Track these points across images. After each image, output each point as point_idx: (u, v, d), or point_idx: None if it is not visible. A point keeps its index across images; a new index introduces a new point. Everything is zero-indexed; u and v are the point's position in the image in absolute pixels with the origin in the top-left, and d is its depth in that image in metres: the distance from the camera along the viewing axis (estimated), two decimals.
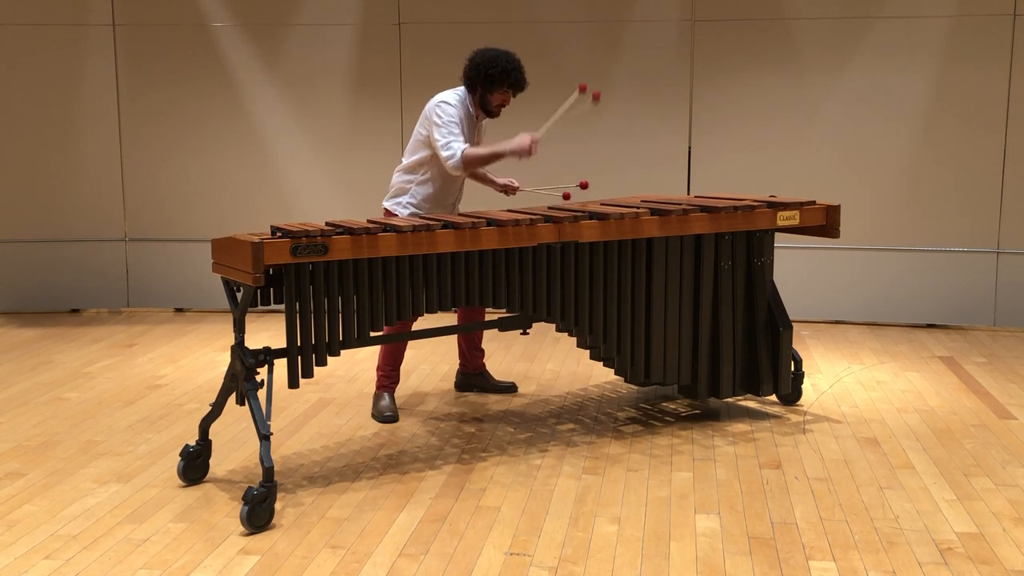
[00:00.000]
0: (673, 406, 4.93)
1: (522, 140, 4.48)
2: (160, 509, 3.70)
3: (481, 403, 4.99)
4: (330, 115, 6.99)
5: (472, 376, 5.16)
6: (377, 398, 4.80)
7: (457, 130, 4.54)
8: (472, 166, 4.59)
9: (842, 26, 6.54)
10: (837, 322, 6.77)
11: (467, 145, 4.54)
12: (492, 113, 4.71)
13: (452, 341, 6.07)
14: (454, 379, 5.28)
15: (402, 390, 5.19)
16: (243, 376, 3.73)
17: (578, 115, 6.81)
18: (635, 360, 4.53)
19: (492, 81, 4.59)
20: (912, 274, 6.67)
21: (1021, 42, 6.34)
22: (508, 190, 5.02)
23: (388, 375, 4.81)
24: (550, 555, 3.32)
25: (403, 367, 5.62)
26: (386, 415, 4.71)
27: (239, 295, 3.79)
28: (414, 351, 5.93)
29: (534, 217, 4.22)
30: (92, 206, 7.10)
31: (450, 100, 4.62)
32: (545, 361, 5.76)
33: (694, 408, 4.89)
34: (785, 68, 6.63)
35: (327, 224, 3.83)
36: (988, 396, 5.08)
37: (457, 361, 5.26)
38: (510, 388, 5.17)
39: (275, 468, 3.77)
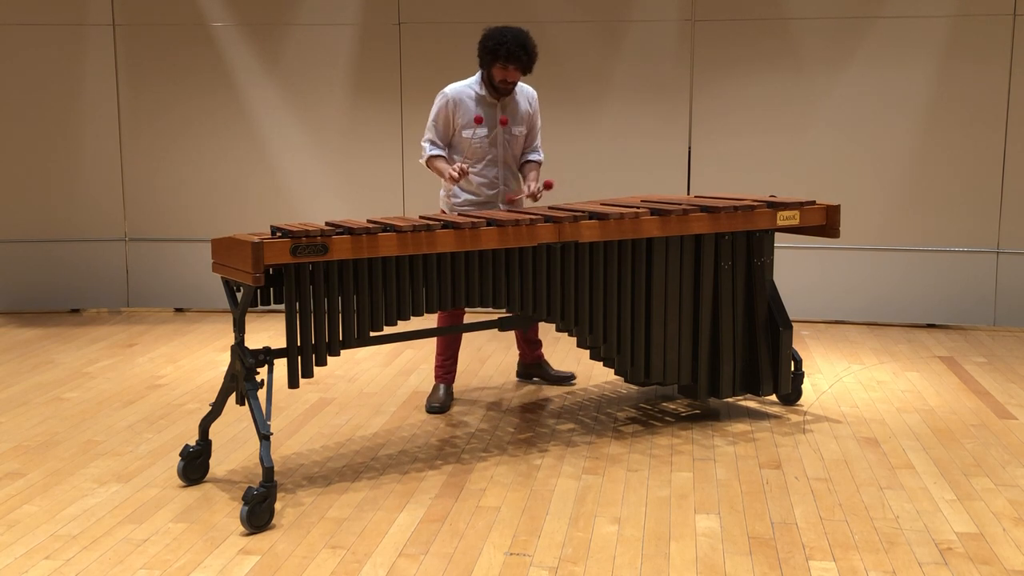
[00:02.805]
0: (673, 406, 4.93)
1: (452, 168, 4.64)
2: (160, 509, 3.70)
3: (481, 403, 4.99)
4: (330, 115, 6.99)
5: (531, 366, 5.29)
6: (433, 389, 4.97)
7: (435, 132, 4.77)
8: (431, 168, 4.83)
9: (842, 26, 6.54)
10: (837, 322, 6.77)
11: (438, 152, 4.77)
12: (499, 90, 4.73)
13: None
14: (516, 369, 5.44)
15: (401, 390, 5.20)
16: (243, 376, 3.73)
17: (578, 115, 6.83)
18: (635, 360, 4.53)
19: (488, 54, 4.65)
20: (912, 274, 6.67)
21: (1021, 42, 6.34)
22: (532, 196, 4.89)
23: (442, 364, 4.97)
24: (550, 555, 3.32)
25: (402, 367, 5.63)
26: (432, 406, 4.85)
27: (239, 295, 3.79)
28: (414, 351, 5.94)
29: (534, 217, 4.22)
30: (92, 206, 7.10)
31: (446, 90, 4.78)
32: None
33: (694, 408, 4.88)
34: (785, 68, 6.63)
35: (327, 224, 3.83)
36: (988, 396, 5.08)
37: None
38: (568, 378, 5.27)
39: (275, 468, 3.77)
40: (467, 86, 4.77)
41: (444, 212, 4.86)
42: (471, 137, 4.74)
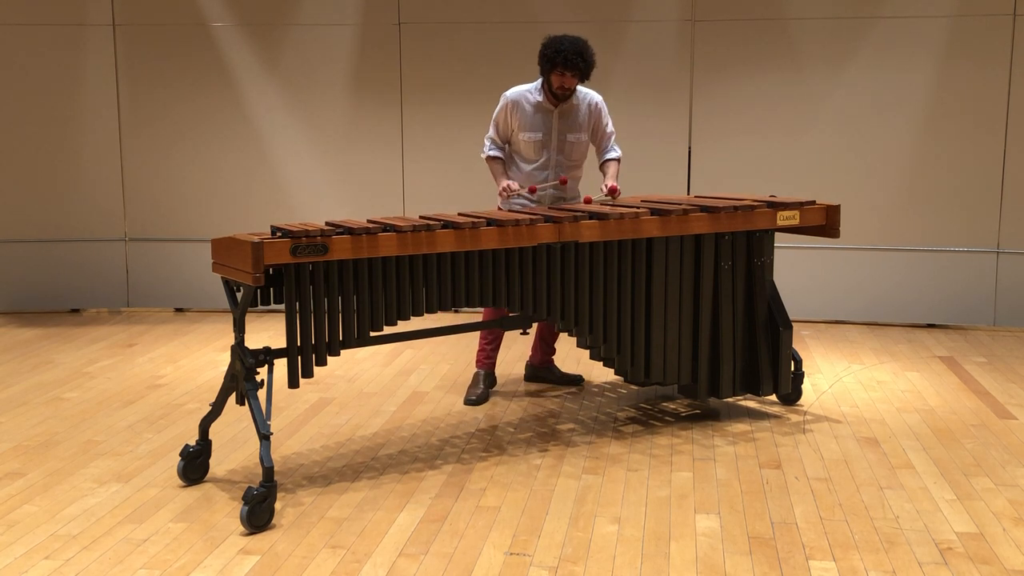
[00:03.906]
0: (673, 406, 4.93)
1: (503, 184, 4.82)
2: (160, 509, 3.70)
3: (478, 406, 4.99)
4: (330, 115, 6.99)
5: (540, 369, 5.32)
6: (473, 379, 5.11)
7: (495, 131, 4.91)
8: (488, 165, 4.99)
9: (842, 26, 6.54)
10: (837, 322, 6.77)
11: (496, 153, 4.93)
12: (556, 96, 4.80)
13: (451, 341, 6.08)
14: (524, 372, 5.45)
15: (401, 390, 5.20)
16: (243, 376, 3.73)
17: None
18: (635, 360, 4.53)
19: (546, 61, 4.72)
20: (912, 274, 6.67)
21: (1021, 42, 6.34)
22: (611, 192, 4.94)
23: (483, 349, 5.10)
24: (550, 555, 3.32)
25: (402, 367, 5.64)
26: (469, 399, 4.97)
27: (239, 295, 3.79)
28: (414, 351, 5.94)
29: (534, 217, 4.22)
30: (92, 206, 7.10)
31: (508, 93, 4.89)
32: None
33: (694, 408, 4.89)
34: (785, 68, 6.63)
35: (327, 224, 3.83)
36: (988, 396, 5.08)
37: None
38: (576, 380, 5.29)
39: (275, 468, 3.77)
40: (527, 90, 4.86)
41: (500, 208, 4.96)
42: (526, 139, 4.86)
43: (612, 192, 4.85)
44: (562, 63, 4.64)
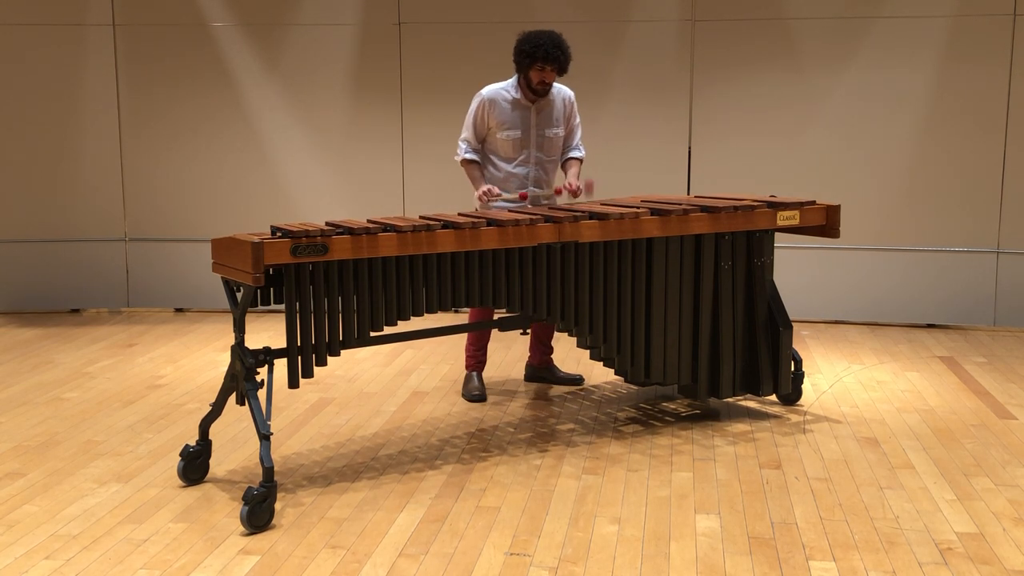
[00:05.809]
0: (673, 406, 4.93)
1: (482, 188, 4.79)
2: (160, 509, 3.70)
3: (482, 403, 4.98)
4: (330, 115, 6.99)
5: (539, 369, 5.32)
6: (466, 379, 5.10)
7: (471, 131, 4.86)
8: (464, 168, 4.95)
9: (842, 26, 6.54)
10: (837, 322, 6.77)
11: (472, 156, 4.88)
12: (536, 91, 4.79)
13: (451, 341, 6.08)
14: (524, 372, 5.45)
15: (401, 390, 5.20)
16: (243, 376, 3.73)
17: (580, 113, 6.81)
18: (635, 360, 4.53)
19: (525, 56, 4.71)
20: (912, 274, 6.67)
21: (1021, 42, 6.34)
22: (571, 191, 4.96)
23: (473, 355, 5.10)
24: (550, 555, 3.32)
25: (402, 367, 5.64)
26: (473, 395, 4.98)
27: (239, 295, 3.79)
28: (414, 351, 5.94)
29: (534, 217, 4.22)
30: (92, 206, 7.10)
31: (483, 92, 4.86)
32: None
33: (694, 408, 4.88)
34: (785, 68, 6.63)
35: (327, 224, 3.83)
36: (988, 396, 5.08)
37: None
38: (576, 380, 5.28)
39: (275, 468, 3.77)
40: (503, 88, 4.86)
41: (478, 209, 4.94)
42: (504, 138, 4.84)
43: (575, 193, 4.87)
44: (542, 57, 4.65)
